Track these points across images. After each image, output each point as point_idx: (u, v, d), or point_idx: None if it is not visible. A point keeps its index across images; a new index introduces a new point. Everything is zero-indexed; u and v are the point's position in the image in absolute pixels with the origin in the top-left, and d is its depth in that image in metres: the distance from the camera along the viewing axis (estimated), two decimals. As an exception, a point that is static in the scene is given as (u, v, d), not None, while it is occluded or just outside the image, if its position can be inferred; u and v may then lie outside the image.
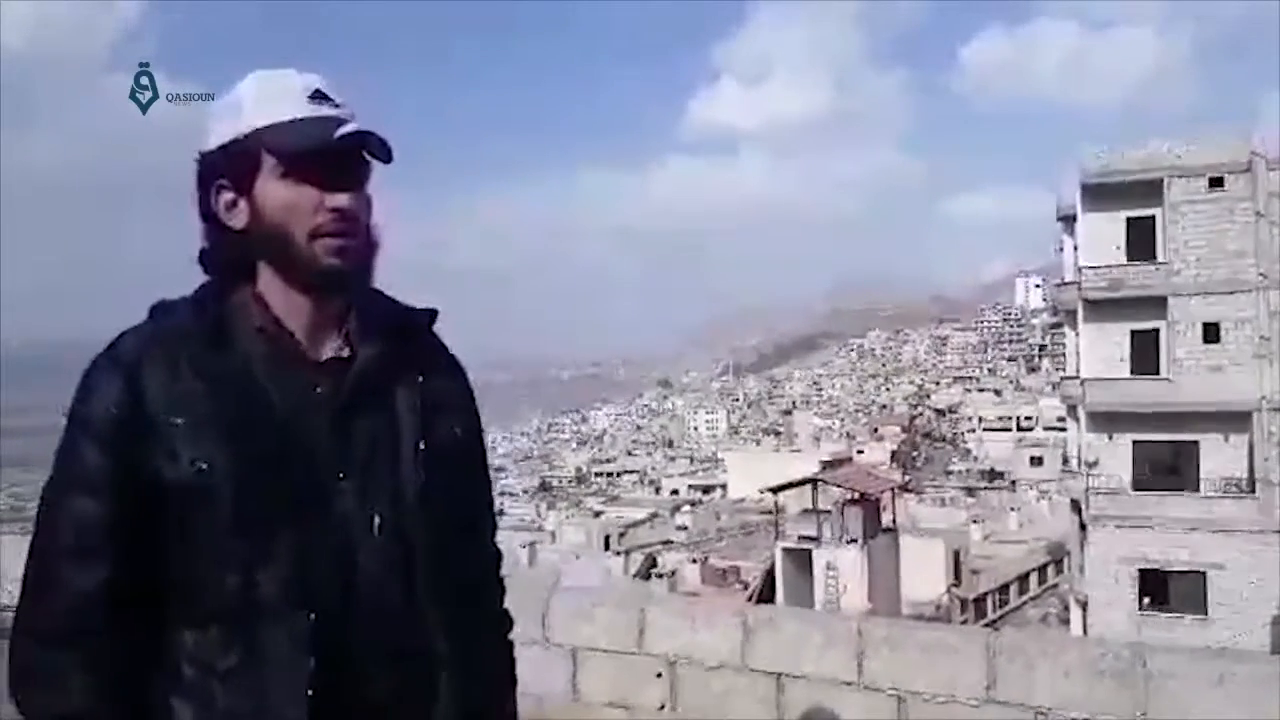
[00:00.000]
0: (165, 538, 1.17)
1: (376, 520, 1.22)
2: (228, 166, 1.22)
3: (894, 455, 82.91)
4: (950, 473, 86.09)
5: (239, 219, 1.23)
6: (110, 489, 1.16)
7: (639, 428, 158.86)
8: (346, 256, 1.22)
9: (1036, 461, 65.67)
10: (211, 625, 1.17)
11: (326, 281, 1.23)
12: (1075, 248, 26.25)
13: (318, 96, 1.23)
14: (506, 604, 1.48)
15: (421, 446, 1.26)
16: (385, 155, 1.24)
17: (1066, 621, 28.41)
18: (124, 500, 1.16)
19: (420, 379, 1.30)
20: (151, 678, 1.18)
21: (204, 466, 1.16)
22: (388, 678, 1.22)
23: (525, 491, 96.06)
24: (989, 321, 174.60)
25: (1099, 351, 25.43)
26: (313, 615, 1.17)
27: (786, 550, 29.23)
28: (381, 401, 1.27)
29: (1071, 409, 27.60)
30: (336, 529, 1.21)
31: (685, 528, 55.56)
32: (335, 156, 1.20)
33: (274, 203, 1.21)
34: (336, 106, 1.23)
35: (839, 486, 30.57)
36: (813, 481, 31.36)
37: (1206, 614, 23.19)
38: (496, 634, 1.44)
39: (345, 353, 1.26)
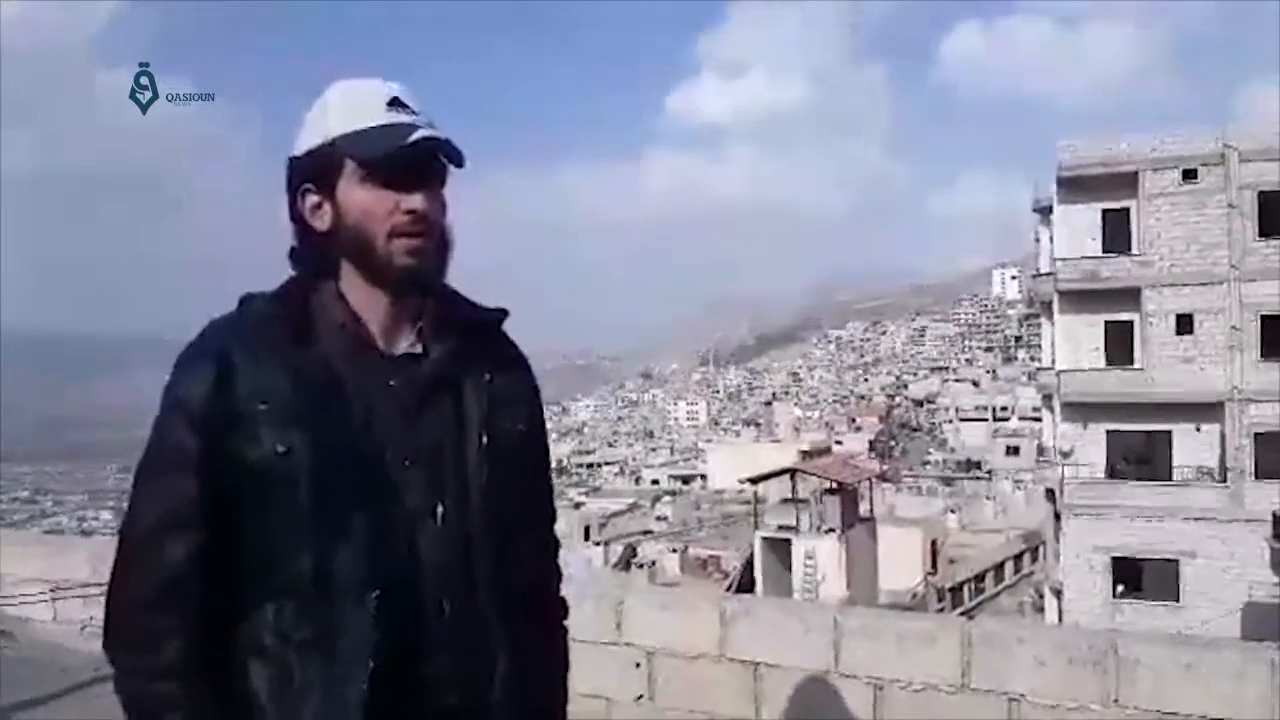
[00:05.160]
0: (248, 514, 1.25)
1: (440, 509, 1.30)
2: (313, 171, 1.30)
3: (872, 445, 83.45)
4: (927, 462, 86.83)
5: (323, 221, 1.31)
6: (201, 467, 1.24)
7: (620, 418, 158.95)
8: (421, 256, 1.30)
9: (1013, 451, 66.27)
10: (289, 599, 1.25)
11: (402, 280, 1.31)
12: (1051, 239, 26.45)
13: (396, 104, 1.30)
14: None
15: (485, 441, 1.33)
16: (457, 159, 1.31)
17: (1042, 609, 28.73)
18: (212, 478, 1.24)
19: (488, 377, 1.37)
20: (235, 644, 1.26)
21: (284, 450, 1.24)
22: (447, 660, 1.29)
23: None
24: (966, 312, 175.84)
25: (1074, 342, 25.67)
26: (377, 595, 1.24)
27: (765, 540, 29.39)
28: (451, 397, 1.34)
29: (1047, 399, 27.87)
30: (403, 516, 1.28)
31: (665, 518, 55.73)
32: (410, 161, 1.27)
33: (354, 206, 1.29)
34: (414, 114, 1.30)
35: (817, 476, 30.74)
36: (791, 471, 31.51)
37: (1179, 601, 23.54)
38: (553, 620, 1.51)
39: (418, 349, 1.34)
